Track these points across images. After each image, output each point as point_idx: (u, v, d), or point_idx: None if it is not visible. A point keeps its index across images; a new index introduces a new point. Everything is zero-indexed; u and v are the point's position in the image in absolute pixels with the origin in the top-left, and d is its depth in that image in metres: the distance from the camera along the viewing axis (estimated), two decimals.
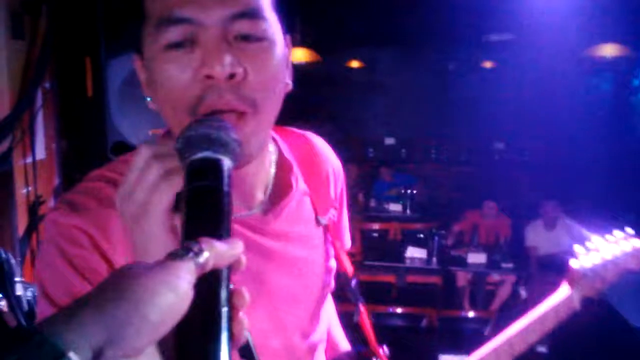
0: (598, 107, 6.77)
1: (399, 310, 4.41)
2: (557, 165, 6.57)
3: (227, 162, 0.58)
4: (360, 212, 6.51)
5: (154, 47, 0.71)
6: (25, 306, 2.05)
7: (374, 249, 5.55)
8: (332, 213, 0.99)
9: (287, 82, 0.81)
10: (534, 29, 5.28)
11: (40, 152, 2.51)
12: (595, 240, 1.46)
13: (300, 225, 0.92)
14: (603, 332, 3.97)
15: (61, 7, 2.38)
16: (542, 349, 4.33)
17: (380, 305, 4.55)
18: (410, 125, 8.37)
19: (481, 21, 6.02)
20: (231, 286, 0.49)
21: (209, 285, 0.47)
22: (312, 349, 0.95)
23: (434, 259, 5.05)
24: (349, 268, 1.04)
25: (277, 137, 0.95)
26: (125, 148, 2.51)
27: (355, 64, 8.46)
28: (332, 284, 1.01)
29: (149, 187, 0.60)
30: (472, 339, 4.32)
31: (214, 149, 0.57)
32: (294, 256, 0.90)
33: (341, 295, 1.09)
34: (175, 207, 0.60)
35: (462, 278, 5.21)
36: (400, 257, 5.07)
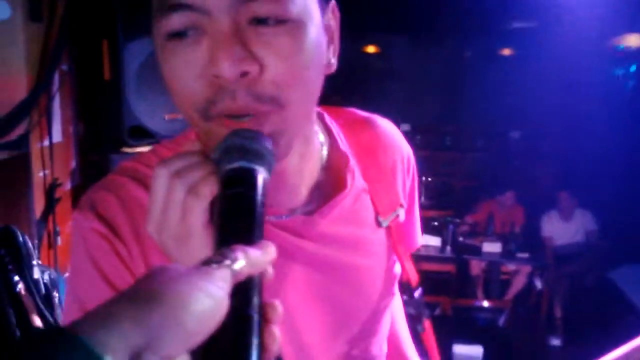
0: (620, 98, 6.64)
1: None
2: (575, 155, 6.48)
3: (262, 172, 0.57)
4: None
5: (157, 36, 0.61)
6: (43, 289, 2.06)
7: None
8: (398, 212, 0.85)
9: (330, 62, 0.69)
10: (557, 16, 5.18)
11: (57, 135, 2.51)
12: None
13: (356, 227, 0.80)
14: (619, 325, 3.93)
15: None
16: (556, 342, 4.31)
17: None
18: (426, 112, 8.29)
19: (502, 8, 5.92)
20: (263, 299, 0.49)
21: (240, 293, 0.46)
22: None
23: (448, 248, 5.03)
24: (413, 276, 0.92)
25: (333, 125, 0.84)
26: (142, 132, 2.50)
27: (371, 49, 8.38)
28: (395, 293, 0.90)
29: (179, 208, 0.58)
30: (486, 329, 4.30)
31: (248, 159, 0.57)
32: (345, 262, 0.80)
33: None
34: (212, 218, 0.59)
35: (477, 267, 5.19)
36: None
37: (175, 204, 0.58)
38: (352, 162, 0.81)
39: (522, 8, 5.79)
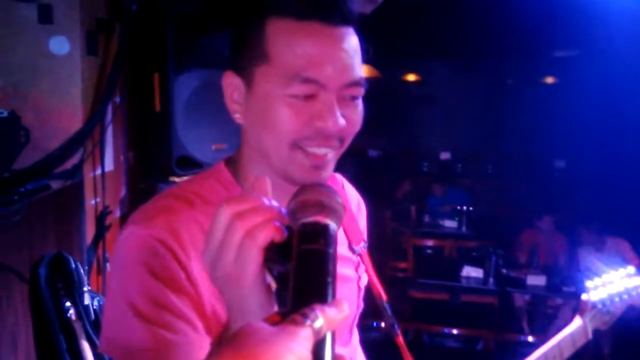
0: None
1: (454, 331, 4.31)
2: (621, 184, 6.29)
3: (333, 227, 0.60)
4: (413, 227, 6.43)
5: (277, 91, 0.83)
6: (92, 315, 2.10)
7: (427, 266, 5.45)
8: (362, 245, 1.09)
9: None
10: (601, 45, 5.10)
11: (109, 164, 2.59)
12: (604, 275, 1.64)
13: (341, 246, 1.02)
14: None
15: (133, 25, 2.46)
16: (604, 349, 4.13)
17: (434, 324, 4.46)
18: (467, 140, 8.22)
19: (544, 35, 5.86)
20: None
21: (319, 349, 0.49)
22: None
23: (491, 280, 4.92)
24: (382, 292, 1.15)
25: None
26: (189, 162, 2.56)
27: (411, 77, 8.40)
28: (362, 304, 1.10)
29: (236, 248, 0.61)
30: None
31: (324, 214, 0.60)
32: (340, 274, 0.95)
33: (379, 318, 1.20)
34: (266, 262, 0.61)
35: (520, 299, 5.05)
36: (456, 276, 4.96)
37: (231, 244, 0.61)
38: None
39: (565, 36, 5.73)
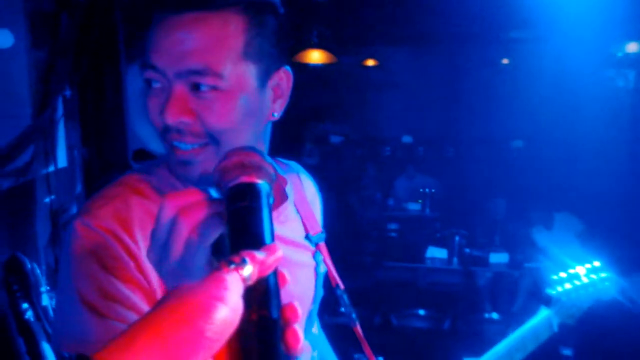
0: (619, 105, 6.65)
1: (421, 311, 4.38)
2: (577, 163, 6.48)
3: (262, 184, 0.60)
4: (378, 211, 6.49)
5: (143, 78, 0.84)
6: (52, 316, 2.05)
7: (393, 250, 5.52)
8: (320, 235, 1.08)
9: (272, 115, 0.90)
10: (554, 25, 5.20)
11: (62, 161, 2.52)
12: (570, 269, 1.61)
13: (295, 233, 1.03)
14: (631, 336, 3.90)
15: (80, 15, 2.38)
16: (567, 351, 4.27)
17: (401, 306, 4.53)
18: (427, 123, 8.30)
19: (500, 18, 5.94)
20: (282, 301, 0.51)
21: (260, 298, 0.48)
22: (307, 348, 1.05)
23: (455, 259, 5.01)
24: (340, 282, 1.14)
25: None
26: (146, 155, 2.51)
27: (370, 62, 8.41)
28: (321, 291, 1.10)
29: (182, 246, 0.60)
30: (496, 341, 4.26)
31: (247, 173, 0.60)
32: (292, 260, 1.00)
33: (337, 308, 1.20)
34: (214, 254, 0.61)
35: (483, 277, 5.16)
36: (421, 257, 5.03)
37: (177, 242, 0.60)
38: (289, 186, 1.04)
39: (521, 18, 5.82)
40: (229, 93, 0.81)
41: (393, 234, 6.20)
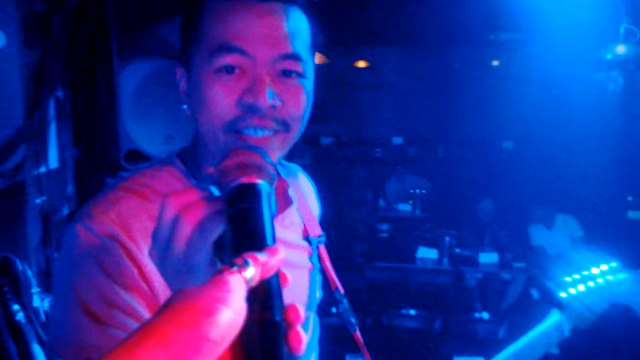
0: (606, 106, 6.72)
1: (412, 312, 4.39)
2: (566, 163, 6.53)
3: (263, 184, 0.60)
4: (369, 212, 6.50)
5: (206, 68, 0.80)
6: (43, 317, 2.04)
7: (384, 250, 5.54)
8: (320, 238, 1.08)
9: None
10: (544, 27, 5.24)
11: (54, 161, 2.50)
12: (583, 271, 1.51)
13: (296, 236, 1.03)
14: (619, 335, 3.94)
15: (73, 16, 2.37)
16: (554, 350, 4.30)
17: (392, 306, 4.54)
18: (418, 125, 8.33)
19: (489, 20, 5.98)
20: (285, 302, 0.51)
21: (263, 300, 0.48)
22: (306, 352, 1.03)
23: (445, 260, 5.04)
24: (340, 286, 1.12)
25: None
26: (138, 156, 2.50)
27: (361, 64, 8.43)
28: (319, 293, 1.10)
29: (186, 243, 0.60)
30: (486, 341, 4.30)
31: (247, 174, 0.59)
32: (292, 261, 0.99)
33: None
34: (217, 252, 0.61)
35: (472, 278, 5.19)
36: (411, 258, 5.05)
37: (180, 240, 0.60)
38: (291, 189, 1.04)
39: (511, 20, 5.86)
40: (305, 82, 0.85)
41: (384, 235, 6.22)
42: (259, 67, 0.79)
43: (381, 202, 6.82)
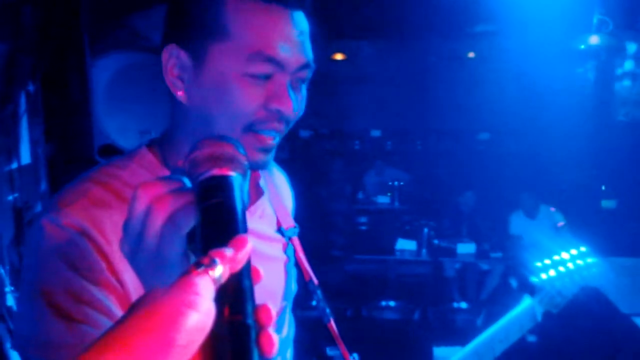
0: (581, 96, 6.82)
1: (391, 303, 4.43)
2: (541, 154, 6.63)
3: (235, 177, 0.58)
4: (347, 205, 6.52)
5: (236, 69, 0.82)
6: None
7: (363, 242, 5.56)
8: (293, 230, 1.08)
9: None
10: (518, 19, 5.29)
11: (26, 157, 2.46)
12: (554, 256, 1.53)
13: (269, 227, 1.03)
14: (593, 320, 4.02)
15: (43, 7, 2.32)
16: (532, 338, 4.37)
17: (371, 298, 4.57)
18: (396, 117, 8.36)
19: (465, 12, 6.02)
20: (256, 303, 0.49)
21: (233, 301, 0.46)
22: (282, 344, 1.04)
23: (424, 251, 5.08)
24: (313, 277, 1.12)
25: None
26: (112, 150, 2.47)
27: (338, 56, 8.42)
28: (294, 286, 1.10)
29: (157, 235, 0.58)
30: (465, 330, 4.36)
31: (220, 166, 0.58)
32: (266, 254, 1.00)
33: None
34: (190, 245, 0.59)
35: (451, 268, 5.25)
36: (390, 250, 5.08)
37: (152, 232, 0.58)
38: (262, 180, 1.05)
39: (485, 11, 5.90)
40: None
41: (363, 227, 6.25)
42: (285, 76, 0.84)
43: (360, 195, 6.84)
